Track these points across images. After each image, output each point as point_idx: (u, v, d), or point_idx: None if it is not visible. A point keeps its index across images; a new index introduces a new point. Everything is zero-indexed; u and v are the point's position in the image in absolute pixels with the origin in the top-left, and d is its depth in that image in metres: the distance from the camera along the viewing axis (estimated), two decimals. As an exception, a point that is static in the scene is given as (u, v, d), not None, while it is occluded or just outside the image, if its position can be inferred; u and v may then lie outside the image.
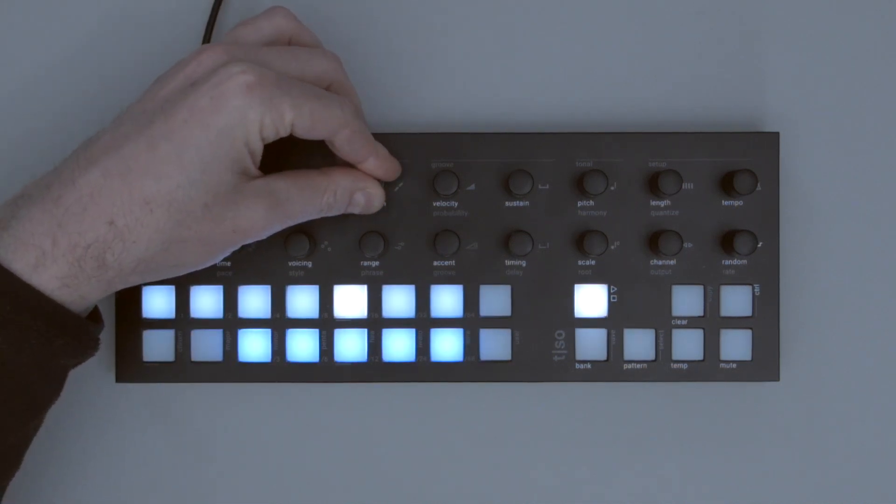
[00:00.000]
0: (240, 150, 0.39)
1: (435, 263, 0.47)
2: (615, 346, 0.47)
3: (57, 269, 0.38)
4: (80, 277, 0.39)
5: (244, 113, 0.38)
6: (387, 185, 0.46)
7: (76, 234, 0.38)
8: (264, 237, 0.42)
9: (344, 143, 0.42)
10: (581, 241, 0.46)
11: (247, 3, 0.49)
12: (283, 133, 0.40)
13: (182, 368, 0.47)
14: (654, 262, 0.47)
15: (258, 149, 0.40)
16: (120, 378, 0.47)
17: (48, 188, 0.39)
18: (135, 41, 0.49)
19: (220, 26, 0.49)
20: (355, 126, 0.42)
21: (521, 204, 0.47)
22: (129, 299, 0.47)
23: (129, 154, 0.39)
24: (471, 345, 0.47)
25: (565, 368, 0.47)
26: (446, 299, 0.47)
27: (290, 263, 0.47)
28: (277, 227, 0.42)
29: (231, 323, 0.47)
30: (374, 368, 0.47)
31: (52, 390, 0.41)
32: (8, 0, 0.49)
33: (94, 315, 0.43)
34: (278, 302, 0.47)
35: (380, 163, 0.44)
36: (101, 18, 0.49)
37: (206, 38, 0.48)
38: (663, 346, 0.47)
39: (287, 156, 0.45)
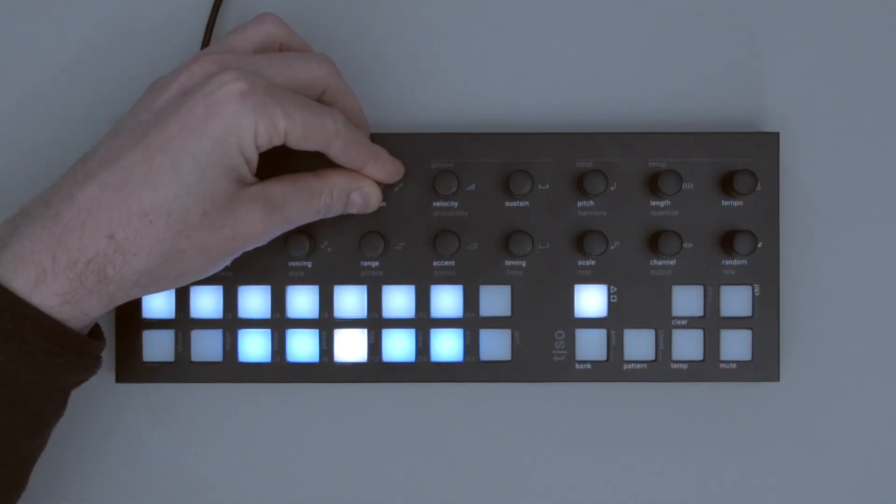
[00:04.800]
0: (235, 158, 0.39)
1: (435, 263, 0.47)
2: (615, 346, 0.47)
3: (57, 285, 0.38)
4: (81, 293, 0.39)
5: (238, 120, 0.38)
6: (387, 185, 0.46)
7: (76, 249, 0.38)
8: (264, 243, 0.42)
9: (339, 153, 0.42)
10: (581, 241, 0.46)
11: (245, 8, 0.49)
12: (277, 142, 0.40)
13: (182, 368, 0.47)
14: (654, 262, 0.47)
15: (253, 156, 0.40)
16: (120, 378, 0.47)
17: (47, 205, 0.39)
18: (133, 48, 0.48)
19: (218, 32, 0.49)
20: (348, 136, 0.42)
21: (521, 204, 0.47)
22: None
23: (126, 166, 0.38)
24: (471, 345, 0.47)
25: (565, 368, 0.47)
26: (446, 299, 0.47)
27: (290, 263, 0.47)
28: (277, 232, 0.42)
29: (231, 323, 0.47)
30: (374, 368, 0.47)
31: (54, 409, 0.41)
32: (5, 9, 0.49)
33: (96, 333, 0.43)
34: (278, 302, 0.47)
35: (379, 167, 0.44)
36: (99, 26, 0.49)
37: (205, 44, 0.48)
38: (663, 346, 0.47)
39: (284, 162, 0.44)
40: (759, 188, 0.46)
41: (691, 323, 0.47)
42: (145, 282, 0.40)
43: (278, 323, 0.47)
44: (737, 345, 0.47)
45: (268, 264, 0.47)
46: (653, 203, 0.47)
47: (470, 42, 0.49)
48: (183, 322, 0.47)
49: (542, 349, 0.47)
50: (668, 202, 0.47)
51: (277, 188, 0.42)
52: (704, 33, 0.49)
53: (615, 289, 0.47)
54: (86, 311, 0.39)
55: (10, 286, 0.38)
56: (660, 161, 0.47)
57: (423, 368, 0.47)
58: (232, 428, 0.48)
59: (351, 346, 0.47)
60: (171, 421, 0.48)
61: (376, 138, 0.46)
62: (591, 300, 0.47)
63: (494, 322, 0.47)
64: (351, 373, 0.47)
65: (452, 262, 0.47)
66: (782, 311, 0.48)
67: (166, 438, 0.48)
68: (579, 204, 0.47)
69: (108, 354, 0.47)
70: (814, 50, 0.49)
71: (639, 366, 0.47)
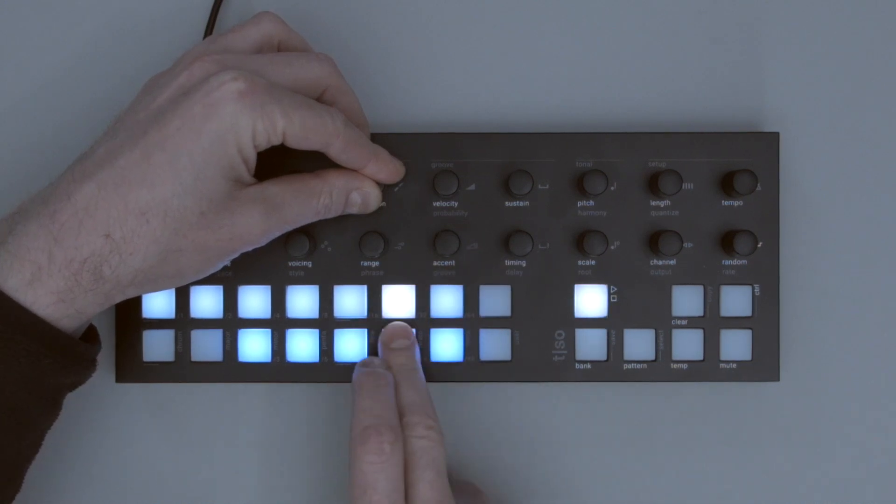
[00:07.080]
0: (233, 157, 0.39)
1: (435, 263, 0.47)
2: (615, 346, 0.47)
3: (53, 284, 0.38)
4: (76, 291, 0.38)
5: (236, 119, 0.38)
6: (387, 185, 0.46)
7: (72, 248, 0.38)
8: (263, 243, 0.42)
9: (339, 153, 0.42)
10: (581, 241, 0.46)
11: (245, 7, 0.49)
12: (275, 141, 0.40)
13: (182, 368, 0.47)
14: (654, 262, 0.47)
15: (251, 156, 0.40)
16: (120, 378, 0.47)
17: (45, 203, 0.39)
18: (133, 48, 0.49)
19: (218, 31, 0.48)
20: (347, 136, 0.42)
21: (521, 204, 0.47)
22: (128, 299, 0.46)
23: (124, 165, 0.38)
24: (471, 345, 0.47)
25: (565, 368, 0.47)
26: (446, 299, 0.47)
27: (290, 263, 0.47)
28: (276, 233, 0.42)
29: (231, 323, 0.47)
30: (374, 368, 0.47)
31: (44, 410, 0.40)
32: (5, 9, 0.49)
33: (92, 336, 0.43)
34: (278, 302, 0.47)
35: (380, 167, 0.44)
36: (99, 26, 0.49)
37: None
38: (663, 346, 0.47)
39: (283, 162, 0.44)
40: (759, 188, 0.46)
41: (691, 323, 0.47)
42: (142, 280, 0.40)
43: (278, 323, 0.47)
44: (737, 345, 0.47)
45: (268, 264, 0.47)
46: (653, 203, 0.47)
47: (470, 42, 0.49)
48: (183, 322, 0.47)
49: (542, 349, 0.47)
50: (668, 202, 0.47)
51: (276, 189, 0.42)
52: (704, 33, 0.49)
53: (615, 289, 0.47)
54: (80, 309, 0.39)
55: (4, 284, 0.38)
56: (660, 161, 0.47)
57: (423, 368, 0.47)
58: (232, 428, 0.48)
59: (351, 346, 0.47)
60: (171, 421, 0.48)
61: (376, 138, 0.46)
62: (591, 300, 0.47)
63: (494, 322, 0.47)
64: (351, 373, 0.47)
65: (452, 262, 0.47)
66: (782, 311, 0.48)
67: (166, 438, 0.48)
68: (579, 204, 0.47)
69: (107, 354, 0.47)
70: (814, 50, 0.49)
71: (639, 366, 0.47)
